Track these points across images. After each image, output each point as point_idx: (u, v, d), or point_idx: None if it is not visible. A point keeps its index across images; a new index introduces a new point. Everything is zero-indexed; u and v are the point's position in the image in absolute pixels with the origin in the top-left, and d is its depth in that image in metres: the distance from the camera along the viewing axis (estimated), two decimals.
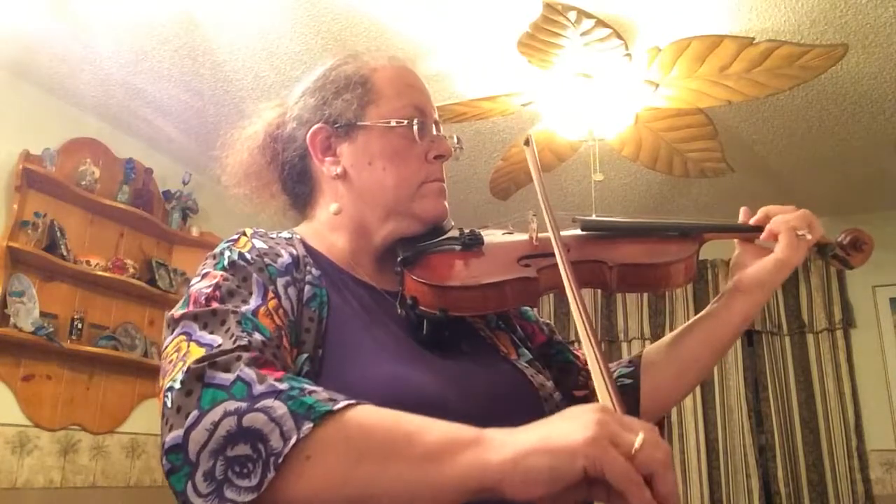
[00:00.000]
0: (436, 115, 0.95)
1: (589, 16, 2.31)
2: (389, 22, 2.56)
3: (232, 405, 0.59)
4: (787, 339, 4.23)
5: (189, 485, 0.58)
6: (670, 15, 2.48)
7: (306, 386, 0.62)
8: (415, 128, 0.89)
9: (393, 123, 0.89)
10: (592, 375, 0.65)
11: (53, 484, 2.95)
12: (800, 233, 0.92)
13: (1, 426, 2.81)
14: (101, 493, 3.13)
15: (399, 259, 0.86)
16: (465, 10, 2.49)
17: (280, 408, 0.58)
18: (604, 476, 0.53)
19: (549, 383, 0.87)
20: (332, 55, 0.98)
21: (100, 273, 3.13)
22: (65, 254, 2.99)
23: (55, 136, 3.11)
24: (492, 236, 0.94)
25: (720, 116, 3.01)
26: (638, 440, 0.54)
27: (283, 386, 0.61)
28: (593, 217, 0.97)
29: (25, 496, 2.84)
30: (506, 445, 0.56)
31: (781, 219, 0.94)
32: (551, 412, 0.81)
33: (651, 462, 0.53)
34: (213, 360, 0.63)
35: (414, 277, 0.82)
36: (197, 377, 0.62)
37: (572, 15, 2.29)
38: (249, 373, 0.62)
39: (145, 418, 3.38)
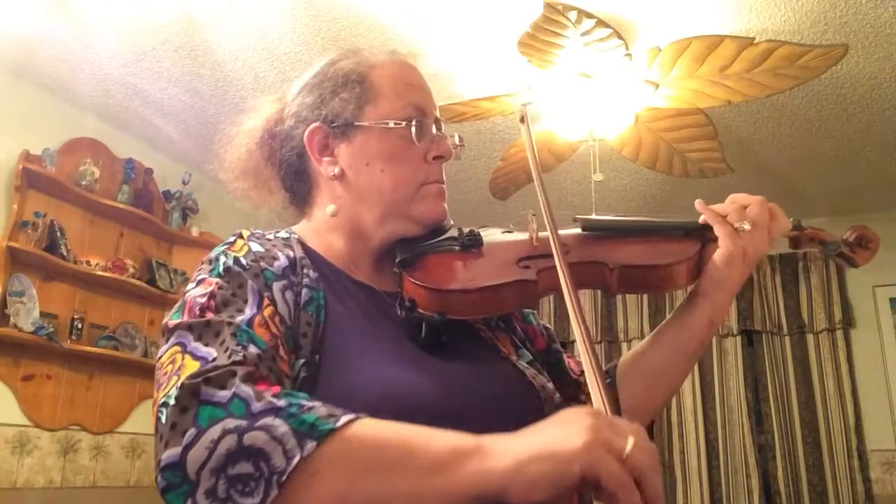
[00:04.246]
0: (436, 113, 0.93)
1: (589, 16, 2.31)
2: (389, 22, 2.55)
3: (231, 423, 0.59)
4: (787, 339, 4.22)
5: (189, 502, 0.58)
6: (670, 15, 2.48)
7: (304, 402, 0.61)
8: (413, 129, 0.87)
9: (391, 124, 0.87)
10: (586, 375, 0.67)
11: (53, 484, 2.95)
12: (737, 225, 0.88)
13: (1, 426, 2.81)
14: (101, 493, 3.13)
15: (397, 261, 0.84)
16: (465, 10, 2.49)
17: (281, 426, 0.59)
18: (598, 480, 0.55)
19: (550, 385, 0.86)
20: (332, 54, 0.96)
21: (100, 273, 3.13)
22: (65, 254, 2.99)
23: (55, 136, 3.11)
24: (491, 236, 0.92)
25: (720, 116, 3.01)
26: (629, 445, 0.56)
27: (281, 403, 0.61)
28: (594, 216, 0.95)
29: (25, 496, 2.84)
30: (507, 453, 0.58)
31: (716, 208, 0.90)
32: (551, 414, 0.81)
33: (640, 465, 0.55)
34: (207, 377, 0.63)
35: (412, 280, 0.81)
36: (192, 394, 0.62)
37: (572, 15, 2.29)
38: (246, 390, 0.62)
39: (145, 418, 3.38)
